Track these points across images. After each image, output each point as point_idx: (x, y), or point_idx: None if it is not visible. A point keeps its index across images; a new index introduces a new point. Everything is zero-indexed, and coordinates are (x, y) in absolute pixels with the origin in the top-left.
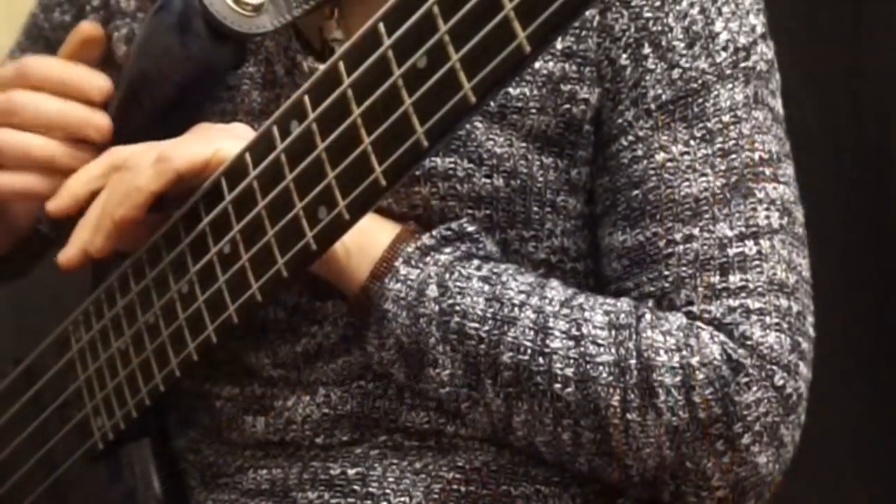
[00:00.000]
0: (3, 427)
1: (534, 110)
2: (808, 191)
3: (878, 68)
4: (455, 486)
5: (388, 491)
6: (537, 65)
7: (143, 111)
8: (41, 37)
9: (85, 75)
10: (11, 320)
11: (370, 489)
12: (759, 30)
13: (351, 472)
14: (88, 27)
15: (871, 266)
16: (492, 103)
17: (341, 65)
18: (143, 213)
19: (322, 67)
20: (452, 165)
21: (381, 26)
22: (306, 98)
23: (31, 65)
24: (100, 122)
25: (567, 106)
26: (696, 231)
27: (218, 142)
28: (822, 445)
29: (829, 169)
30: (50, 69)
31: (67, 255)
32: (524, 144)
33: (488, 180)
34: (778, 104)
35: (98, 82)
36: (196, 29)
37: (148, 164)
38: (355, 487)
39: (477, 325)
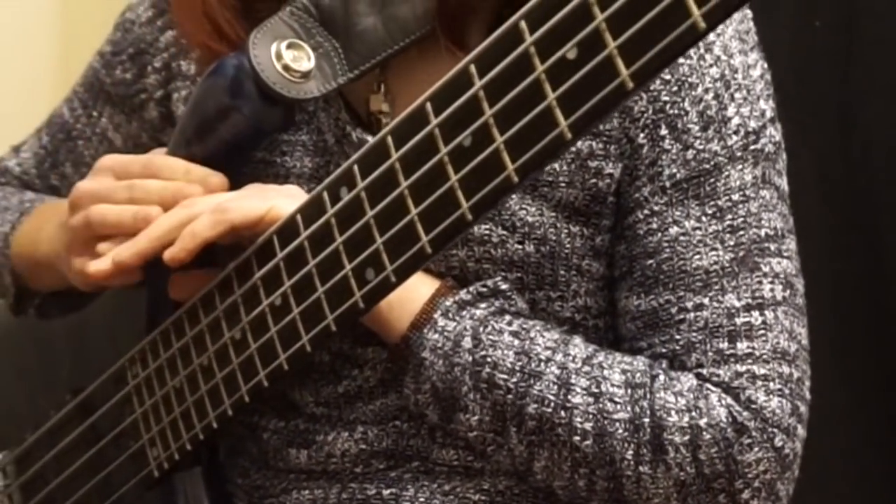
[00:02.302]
0: (61, 452)
1: (563, 184)
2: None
3: (868, 118)
4: None
5: None
6: None
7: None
8: (102, 91)
9: (203, 172)
10: (70, 352)
11: None
12: (769, 114)
13: (385, 492)
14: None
15: (863, 282)
16: None
17: (389, 139)
18: (191, 257)
19: (371, 140)
20: (488, 232)
21: (429, 105)
22: (355, 167)
23: (157, 162)
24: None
25: (594, 181)
26: (706, 300)
27: (273, 200)
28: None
29: (821, 208)
30: (174, 169)
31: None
32: (553, 214)
33: (520, 246)
34: (784, 183)
35: (215, 180)
36: (247, 92)
37: (207, 209)
38: None
39: (506, 376)
